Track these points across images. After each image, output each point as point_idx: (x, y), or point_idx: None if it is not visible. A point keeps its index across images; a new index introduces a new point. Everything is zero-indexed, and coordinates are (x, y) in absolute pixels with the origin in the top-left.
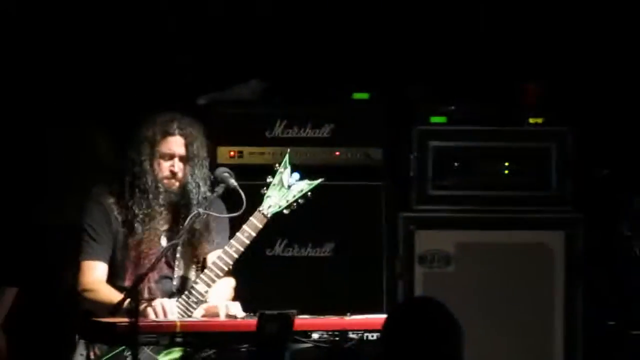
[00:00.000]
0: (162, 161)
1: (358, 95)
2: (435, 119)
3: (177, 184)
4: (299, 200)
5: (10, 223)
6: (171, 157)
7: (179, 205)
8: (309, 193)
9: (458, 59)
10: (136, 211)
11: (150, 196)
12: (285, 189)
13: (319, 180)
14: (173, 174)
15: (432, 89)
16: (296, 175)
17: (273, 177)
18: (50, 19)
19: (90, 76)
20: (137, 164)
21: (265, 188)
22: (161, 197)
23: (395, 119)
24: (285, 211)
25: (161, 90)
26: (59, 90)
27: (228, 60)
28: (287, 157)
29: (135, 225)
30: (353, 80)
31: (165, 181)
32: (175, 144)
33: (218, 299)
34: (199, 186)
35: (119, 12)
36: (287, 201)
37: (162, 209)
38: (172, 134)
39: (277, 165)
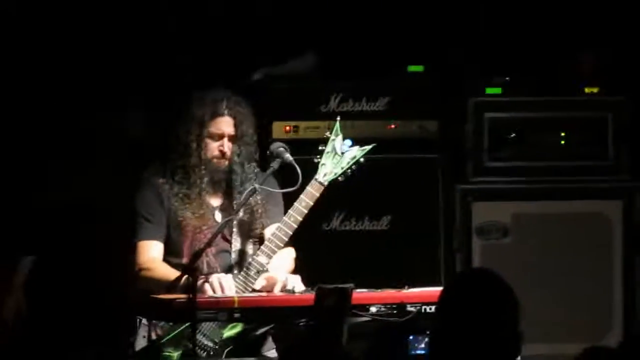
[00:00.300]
0: (211, 141)
1: (413, 68)
2: (490, 90)
3: (226, 162)
4: (353, 167)
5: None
6: (220, 137)
7: (230, 182)
8: (362, 160)
9: (513, 29)
10: (180, 189)
11: (193, 175)
12: (339, 156)
13: (371, 146)
14: (222, 154)
15: (487, 60)
16: (348, 142)
17: (326, 145)
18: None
19: (144, 51)
20: (185, 143)
21: (319, 157)
22: (208, 175)
23: (450, 91)
24: (340, 178)
25: (216, 65)
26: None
27: (283, 34)
28: (337, 124)
29: (186, 204)
30: (408, 52)
31: (215, 160)
32: (225, 123)
33: (278, 271)
34: (243, 164)
35: None
36: (342, 168)
37: (211, 186)
38: (222, 114)
39: (328, 133)
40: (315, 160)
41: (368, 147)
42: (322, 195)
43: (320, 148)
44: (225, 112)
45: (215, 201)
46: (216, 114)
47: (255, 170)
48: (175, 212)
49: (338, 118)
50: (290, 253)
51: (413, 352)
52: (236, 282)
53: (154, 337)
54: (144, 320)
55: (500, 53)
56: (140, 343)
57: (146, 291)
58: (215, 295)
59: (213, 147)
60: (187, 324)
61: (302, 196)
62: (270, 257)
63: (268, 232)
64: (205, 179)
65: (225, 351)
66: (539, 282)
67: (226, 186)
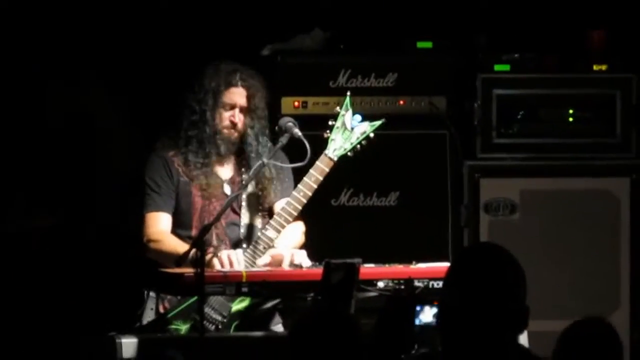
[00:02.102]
0: (223, 111)
1: (422, 44)
2: (499, 67)
3: (236, 134)
4: (363, 142)
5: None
6: (232, 107)
7: (240, 155)
8: (372, 135)
9: (522, 5)
10: (194, 160)
11: (208, 145)
12: (349, 131)
13: (381, 121)
14: (233, 124)
15: (495, 37)
16: (358, 117)
17: (335, 120)
18: None
19: (154, 25)
20: (197, 113)
21: (328, 131)
22: (219, 146)
23: (459, 68)
24: (349, 153)
25: (225, 41)
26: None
27: (291, 11)
28: (347, 99)
29: (195, 174)
30: (417, 29)
31: (225, 131)
32: (238, 94)
33: (286, 246)
34: (257, 137)
35: None
36: (351, 143)
37: (221, 157)
38: (235, 85)
39: (338, 108)
40: (325, 135)
41: (378, 122)
42: (331, 170)
43: (330, 123)
44: (239, 83)
45: (225, 174)
46: (230, 85)
47: (268, 145)
48: (185, 185)
49: (348, 93)
50: (299, 227)
51: (421, 323)
52: (245, 256)
53: (161, 309)
54: (152, 293)
55: (509, 30)
56: (148, 315)
57: (155, 263)
58: (223, 270)
59: (224, 117)
60: (195, 298)
61: (311, 171)
62: (279, 231)
63: (277, 207)
64: (215, 150)
65: (234, 324)
66: (546, 259)
67: (236, 159)
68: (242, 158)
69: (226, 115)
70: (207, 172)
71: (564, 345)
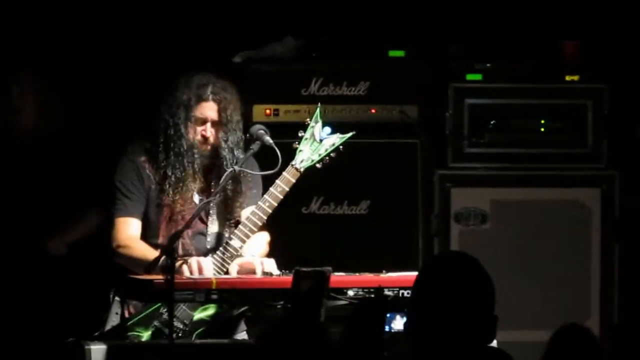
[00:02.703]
0: (195, 125)
1: (394, 53)
2: (471, 77)
3: (208, 147)
4: (331, 154)
5: None
6: (204, 122)
7: (212, 166)
8: (341, 147)
9: (494, 15)
10: (169, 173)
11: (185, 159)
12: (317, 143)
13: (351, 134)
14: (205, 139)
15: (468, 47)
16: (327, 129)
17: (305, 131)
18: None
19: (126, 35)
20: (171, 127)
21: (297, 142)
22: (195, 160)
23: (431, 77)
24: (317, 165)
25: (197, 48)
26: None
27: (263, 18)
28: (318, 111)
29: (168, 186)
30: (389, 37)
31: (198, 145)
32: (208, 108)
33: (253, 255)
34: (232, 150)
35: None
36: (320, 155)
37: (195, 171)
38: (206, 100)
39: (308, 119)
40: (294, 146)
41: (347, 135)
42: (298, 180)
43: (299, 134)
44: (210, 97)
45: (195, 184)
46: (201, 99)
47: (241, 155)
48: (156, 193)
49: (319, 104)
50: (264, 237)
51: (390, 330)
52: (214, 264)
53: (127, 315)
54: (117, 297)
55: (481, 39)
56: (113, 320)
57: (123, 269)
58: (193, 276)
59: (196, 131)
60: (157, 305)
61: (277, 181)
62: (244, 241)
63: (243, 216)
64: (191, 164)
65: (195, 333)
66: (516, 269)
67: (206, 170)
68: (212, 169)
69: (198, 129)
70: (178, 183)
71: (553, 350)
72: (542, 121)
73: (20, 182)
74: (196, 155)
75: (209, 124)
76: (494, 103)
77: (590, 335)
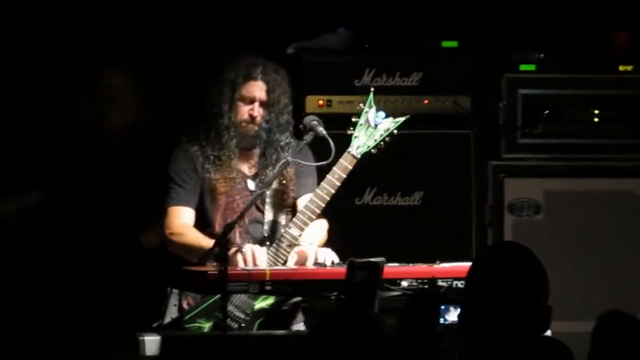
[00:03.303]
0: (242, 104)
1: (447, 44)
2: (524, 67)
3: (255, 128)
4: (386, 139)
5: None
6: (251, 101)
7: (263, 150)
8: (395, 132)
9: (548, 5)
10: (211, 153)
11: (225, 138)
12: (372, 128)
13: (405, 118)
14: (252, 118)
15: (521, 37)
16: (382, 114)
17: (359, 117)
18: None
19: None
20: (216, 105)
21: (352, 128)
22: (236, 139)
23: (484, 67)
24: (373, 151)
25: (250, 39)
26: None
27: (317, 9)
28: (371, 96)
29: (217, 165)
30: (442, 28)
31: (243, 124)
32: (257, 88)
33: (310, 243)
34: (280, 132)
35: None
36: (375, 140)
37: (244, 153)
38: (255, 79)
39: (361, 104)
40: (349, 133)
41: (401, 119)
42: (354, 168)
43: (353, 120)
44: (259, 76)
45: (248, 169)
46: (249, 77)
47: (288, 140)
48: (209, 181)
49: (372, 89)
50: (322, 225)
51: (444, 322)
52: (268, 254)
53: (185, 306)
54: (175, 289)
55: (535, 29)
56: (172, 312)
57: (177, 259)
58: (247, 267)
59: (243, 111)
60: (217, 296)
61: (334, 168)
62: (302, 229)
63: (300, 204)
64: (232, 142)
65: (256, 323)
66: (570, 259)
67: (253, 153)
68: (265, 153)
69: (245, 108)
70: (226, 163)
71: (599, 345)
72: (596, 111)
73: (114, 179)
74: (237, 135)
75: (256, 104)
76: (547, 93)
77: (635, 321)
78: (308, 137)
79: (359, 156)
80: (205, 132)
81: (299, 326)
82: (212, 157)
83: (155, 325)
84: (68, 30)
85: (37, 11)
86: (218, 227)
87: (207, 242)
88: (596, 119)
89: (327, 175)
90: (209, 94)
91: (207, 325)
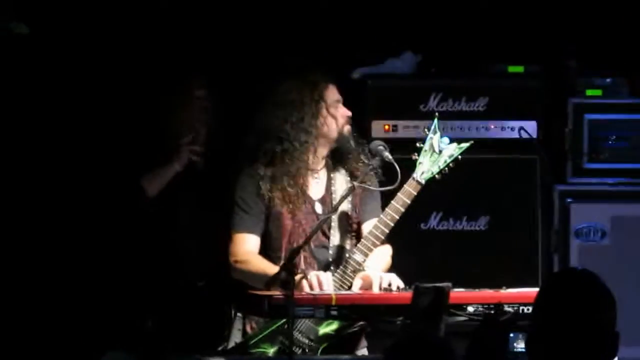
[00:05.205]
0: (334, 111)
1: (513, 69)
2: (590, 92)
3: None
4: (450, 165)
5: None
6: (339, 101)
7: (332, 171)
8: (459, 158)
9: (614, 31)
10: (279, 175)
11: (296, 161)
12: (437, 154)
13: (469, 143)
14: (350, 118)
15: (586, 62)
16: (446, 140)
17: (424, 143)
18: None
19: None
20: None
21: (416, 154)
22: (307, 159)
23: (550, 93)
24: (437, 176)
25: (315, 63)
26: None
27: (382, 34)
28: (435, 121)
29: (282, 192)
30: (508, 52)
31: (346, 127)
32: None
33: (374, 269)
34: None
35: None
36: (439, 166)
37: (313, 173)
38: (331, 82)
39: (426, 130)
40: (414, 158)
41: (466, 145)
42: (419, 193)
43: (418, 146)
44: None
45: (316, 193)
46: (328, 81)
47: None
48: (276, 204)
49: (436, 115)
50: (387, 250)
51: (513, 350)
52: (334, 279)
53: (249, 330)
54: (239, 313)
55: (601, 55)
56: (236, 336)
57: (242, 284)
58: (312, 292)
59: (340, 115)
60: (282, 320)
61: (399, 194)
62: (366, 255)
63: (365, 229)
64: (303, 164)
65: (321, 348)
66: (637, 285)
67: (328, 176)
68: (334, 175)
69: (340, 112)
70: (293, 190)
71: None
72: None
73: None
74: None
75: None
76: (613, 118)
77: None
78: (375, 162)
79: (423, 182)
80: (271, 154)
81: (363, 351)
82: (278, 180)
83: (219, 349)
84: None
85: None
86: (284, 252)
87: (272, 270)
88: None
89: (392, 201)
90: (269, 120)
91: (271, 351)
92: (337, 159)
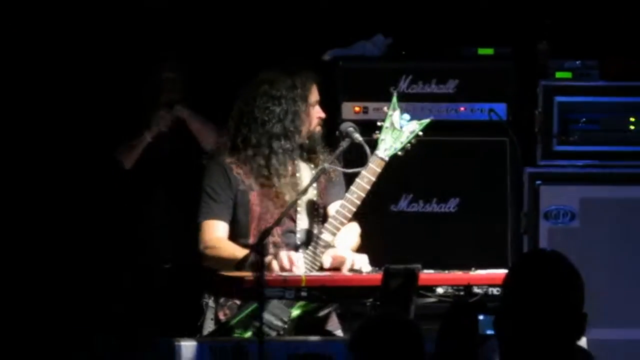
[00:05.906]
0: (311, 109)
1: (483, 51)
2: (560, 74)
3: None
4: (412, 141)
5: None
6: (317, 102)
7: (304, 158)
8: (421, 133)
9: (584, 13)
10: (248, 163)
11: (280, 145)
12: (398, 131)
13: (429, 119)
14: (322, 120)
15: (557, 44)
16: (407, 116)
17: (384, 121)
18: None
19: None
20: (282, 120)
21: (378, 132)
22: (290, 145)
23: (521, 75)
24: (400, 153)
25: (286, 46)
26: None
27: (353, 16)
28: (394, 98)
29: (250, 179)
30: (478, 35)
31: (317, 128)
32: (316, 91)
33: (346, 248)
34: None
35: None
36: (401, 142)
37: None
38: (315, 81)
39: (385, 108)
40: (375, 136)
41: (426, 121)
42: (383, 170)
43: (378, 124)
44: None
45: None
46: (313, 81)
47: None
48: (244, 192)
49: (394, 93)
50: (355, 228)
51: (484, 333)
52: (305, 258)
53: (221, 317)
54: (210, 302)
55: (571, 37)
56: (209, 326)
57: (212, 270)
58: (283, 273)
59: (314, 113)
60: (254, 305)
61: (363, 172)
62: (334, 234)
63: (332, 210)
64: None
65: (294, 330)
66: (605, 267)
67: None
68: (297, 162)
69: (317, 112)
70: (261, 177)
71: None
72: (632, 119)
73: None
74: (294, 139)
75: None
76: (583, 101)
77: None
78: (344, 144)
79: (387, 159)
80: (244, 143)
81: (338, 332)
82: (247, 167)
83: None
84: None
85: None
86: (253, 239)
87: (242, 253)
88: (632, 127)
89: (357, 179)
90: (246, 112)
91: (246, 335)
92: (302, 155)
